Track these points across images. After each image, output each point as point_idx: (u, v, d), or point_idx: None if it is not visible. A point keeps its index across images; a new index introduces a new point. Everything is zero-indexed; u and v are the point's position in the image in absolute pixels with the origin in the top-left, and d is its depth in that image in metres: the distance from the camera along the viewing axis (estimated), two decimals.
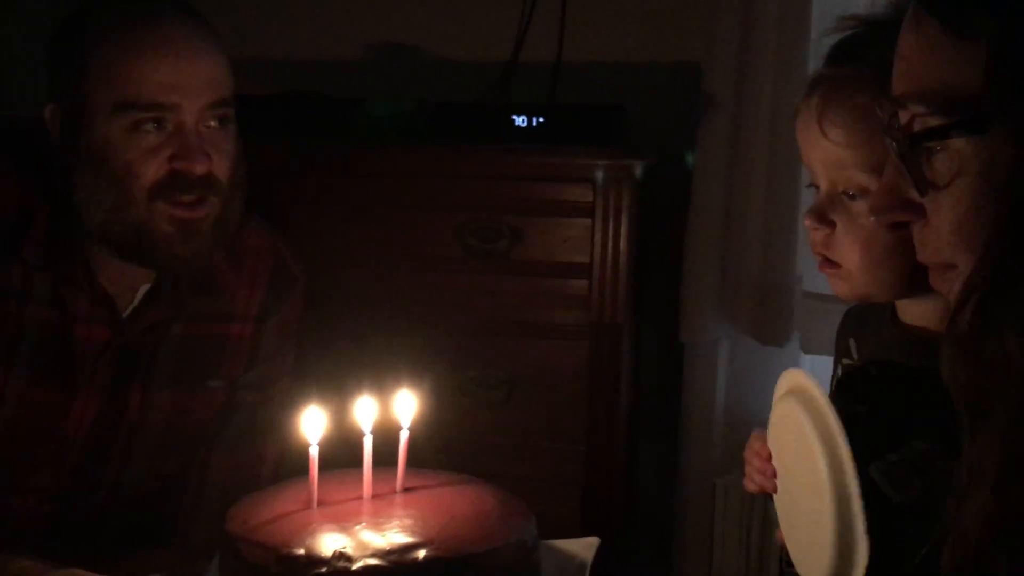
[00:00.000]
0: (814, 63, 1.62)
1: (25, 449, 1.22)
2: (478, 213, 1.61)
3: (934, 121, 0.61)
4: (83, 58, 1.18)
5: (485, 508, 0.94)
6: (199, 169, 1.17)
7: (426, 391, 1.42)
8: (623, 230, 1.58)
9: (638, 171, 1.60)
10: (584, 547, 1.09)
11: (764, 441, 0.99)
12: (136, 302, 1.26)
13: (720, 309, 1.84)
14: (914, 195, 0.63)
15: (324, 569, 0.83)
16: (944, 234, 0.61)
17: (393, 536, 0.87)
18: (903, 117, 0.63)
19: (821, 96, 0.92)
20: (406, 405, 0.99)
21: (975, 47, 0.58)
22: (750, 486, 1.01)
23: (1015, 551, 0.56)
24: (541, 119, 1.76)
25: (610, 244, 1.58)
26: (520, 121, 1.77)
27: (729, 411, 1.90)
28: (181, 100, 1.17)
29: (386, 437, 1.03)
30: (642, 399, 2.00)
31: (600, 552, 1.10)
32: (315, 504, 0.92)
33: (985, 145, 0.58)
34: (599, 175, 1.58)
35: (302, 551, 0.84)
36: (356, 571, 0.83)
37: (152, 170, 1.17)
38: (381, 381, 1.07)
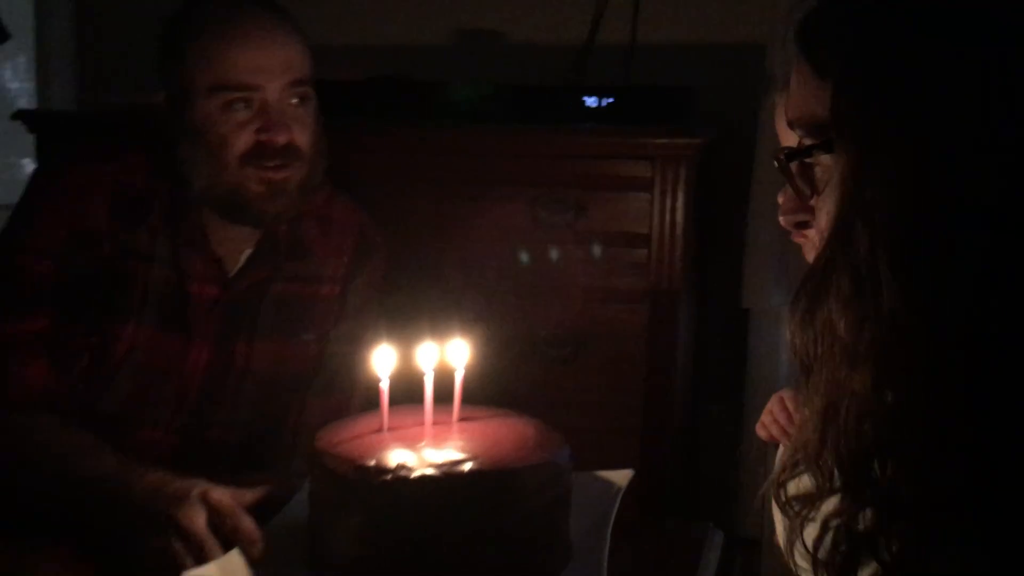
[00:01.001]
0: None
1: (153, 387, 1.47)
2: (547, 188, 1.82)
3: (807, 142, 0.79)
4: (184, 50, 1.42)
5: (525, 435, 1.15)
6: (281, 139, 1.40)
7: (499, 348, 1.63)
8: (679, 204, 1.76)
9: (694, 149, 1.77)
10: (619, 477, 1.29)
11: (797, 402, 1.16)
12: (241, 263, 1.51)
13: (782, 277, 2.00)
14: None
15: (389, 476, 1.05)
16: (822, 232, 0.79)
17: (446, 453, 1.08)
18: (797, 138, 0.81)
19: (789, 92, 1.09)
20: (459, 351, 1.20)
21: (827, 84, 0.76)
22: (761, 432, 1.18)
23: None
24: (611, 99, 1.95)
25: (667, 216, 1.77)
26: (591, 102, 1.96)
27: (792, 374, 2.07)
28: (264, 81, 1.40)
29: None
30: (712, 363, 2.17)
31: (652, 492, 1.27)
32: (385, 429, 1.14)
33: (837, 161, 0.76)
34: (656, 153, 1.76)
35: (373, 462, 1.06)
36: (414, 479, 1.04)
37: (242, 141, 1.40)
38: (454, 335, 1.28)
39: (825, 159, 0.77)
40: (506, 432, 1.16)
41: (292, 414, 1.56)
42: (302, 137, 1.43)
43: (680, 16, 2.23)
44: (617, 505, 1.22)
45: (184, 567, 1.09)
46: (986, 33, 0.72)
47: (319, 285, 1.57)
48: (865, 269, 0.72)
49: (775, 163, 0.81)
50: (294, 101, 1.42)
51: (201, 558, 1.11)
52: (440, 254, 1.86)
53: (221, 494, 1.16)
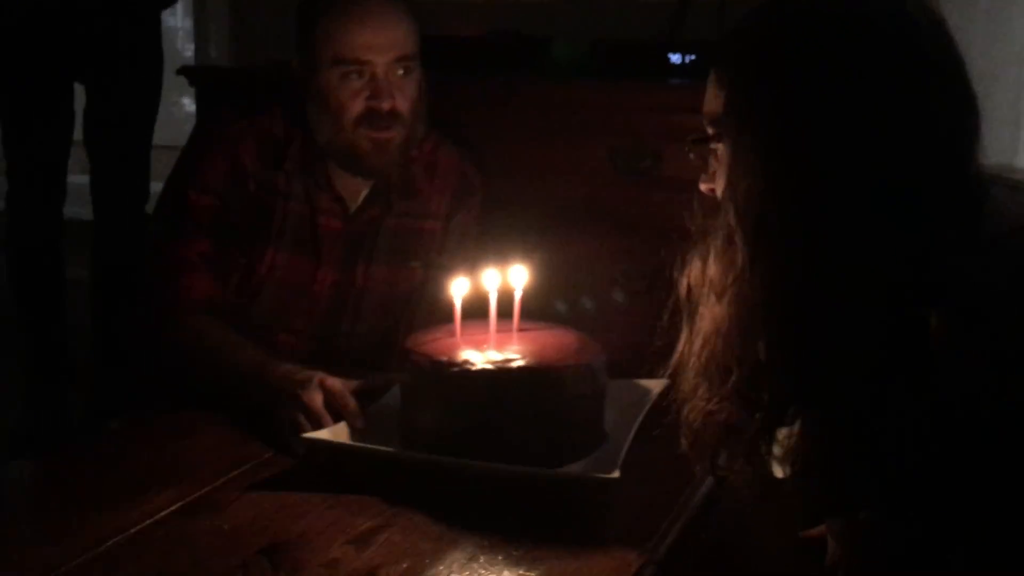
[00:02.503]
0: None
1: (289, 300, 1.90)
2: (627, 137, 2.15)
3: (709, 132, 1.11)
4: (313, 26, 1.81)
5: (568, 343, 1.51)
6: (386, 106, 1.78)
7: (582, 277, 1.99)
8: None
9: None
10: (656, 385, 1.63)
11: None
12: (359, 202, 1.92)
13: None
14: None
15: (456, 369, 1.43)
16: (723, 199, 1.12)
17: (503, 354, 1.45)
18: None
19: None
20: (519, 275, 1.57)
21: (722, 90, 1.08)
22: None
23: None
24: (692, 56, 2.26)
25: None
26: (675, 59, 2.27)
27: None
28: (374, 57, 1.78)
29: (531, 302, 1.60)
30: None
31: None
32: (458, 335, 1.53)
33: (724, 151, 1.08)
34: None
35: (445, 358, 1.45)
36: (475, 371, 1.42)
37: (356, 106, 1.79)
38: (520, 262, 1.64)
39: (720, 147, 1.11)
40: (553, 341, 1.53)
41: (401, 327, 1.97)
42: (404, 104, 1.81)
43: None
44: (648, 405, 1.57)
45: (304, 431, 1.51)
46: (837, 64, 1.02)
47: (424, 221, 1.97)
48: (727, 235, 1.06)
49: (685, 147, 1.15)
50: (400, 73, 1.81)
51: (318, 427, 1.52)
52: (530, 193, 2.21)
53: (334, 381, 1.57)
